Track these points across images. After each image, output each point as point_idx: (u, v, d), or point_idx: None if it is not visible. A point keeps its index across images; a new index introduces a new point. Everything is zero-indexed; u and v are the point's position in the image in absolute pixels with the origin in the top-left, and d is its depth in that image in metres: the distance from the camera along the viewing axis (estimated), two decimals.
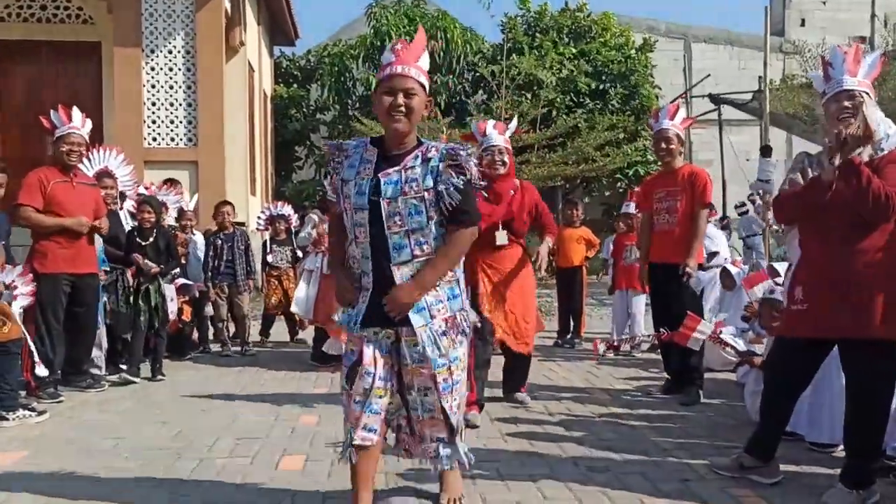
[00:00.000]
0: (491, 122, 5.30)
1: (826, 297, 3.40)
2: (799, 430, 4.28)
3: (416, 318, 2.93)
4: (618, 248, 7.90)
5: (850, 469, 3.43)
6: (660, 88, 18.90)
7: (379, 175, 2.91)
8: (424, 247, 2.93)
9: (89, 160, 6.51)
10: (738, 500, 3.49)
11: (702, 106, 19.57)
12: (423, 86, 2.95)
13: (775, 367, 3.72)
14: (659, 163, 6.11)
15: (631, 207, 7.80)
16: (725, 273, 6.77)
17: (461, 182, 2.90)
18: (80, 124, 5.78)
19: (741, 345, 6.27)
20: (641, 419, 5.01)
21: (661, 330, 5.33)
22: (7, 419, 4.81)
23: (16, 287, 4.76)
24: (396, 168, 2.92)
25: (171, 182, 8.43)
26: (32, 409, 5.00)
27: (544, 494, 3.53)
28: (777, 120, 15.56)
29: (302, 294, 7.10)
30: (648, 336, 6.19)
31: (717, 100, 17.04)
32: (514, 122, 5.65)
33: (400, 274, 2.93)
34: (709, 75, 18.46)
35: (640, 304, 7.52)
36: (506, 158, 5.11)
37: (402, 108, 2.89)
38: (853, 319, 3.32)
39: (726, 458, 3.93)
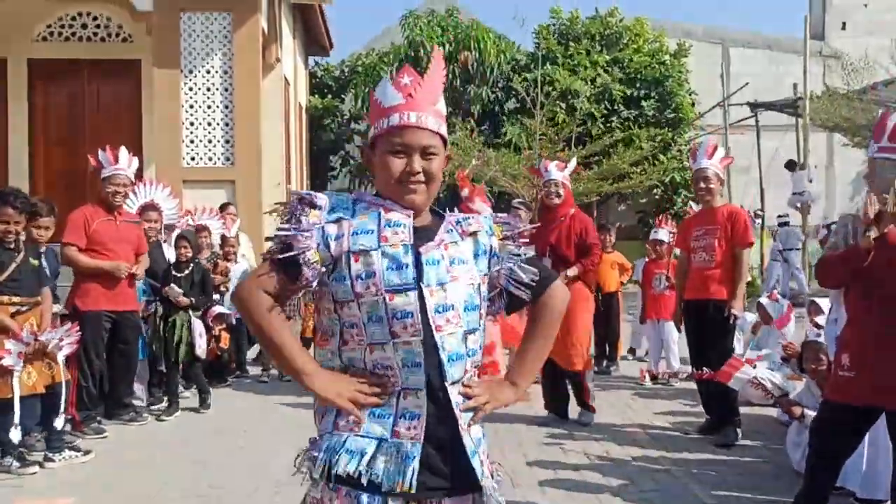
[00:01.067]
0: (554, 163, 6.14)
1: (871, 365, 3.35)
2: (849, 486, 4.21)
3: (478, 465, 1.95)
4: (647, 276, 7.81)
5: None
6: (696, 94, 18.70)
7: (420, 249, 1.94)
8: (475, 357, 2.01)
9: (135, 194, 6.62)
10: None
11: (739, 112, 19.32)
12: (444, 140, 2.02)
13: (822, 431, 3.67)
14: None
15: (661, 234, 7.74)
16: (760, 307, 6.70)
17: (527, 252, 2.11)
18: (126, 164, 5.89)
19: (779, 379, 6.20)
20: (679, 464, 4.97)
21: (704, 369, 5.29)
22: (54, 461, 4.91)
23: (62, 340, 4.86)
24: (435, 242, 1.97)
25: (224, 207, 8.56)
26: (77, 450, 5.10)
27: None
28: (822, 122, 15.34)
29: None
30: (688, 370, 6.15)
31: (756, 106, 16.76)
32: (574, 162, 6.42)
33: (455, 398, 1.94)
34: (747, 83, 18.17)
35: (673, 331, 7.43)
36: (561, 191, 5.98)
37: (421, 177, 1.96)
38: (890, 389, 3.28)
39: None
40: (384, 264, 1.91)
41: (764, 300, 6.79)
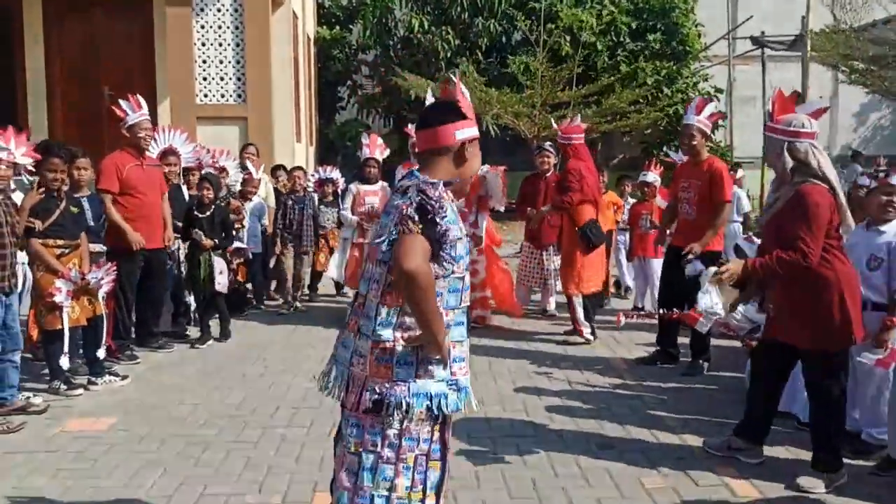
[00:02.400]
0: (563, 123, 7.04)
1: (774, 308, 4.09)
2: (794, 411, 4.81)
3: None
4: (634, 217, 8.24)
5: (818, 458, 3.99)
6: (702, 26, 18.68)
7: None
8: None
9: (155, 140, 7.09)
10: (723, 479, 4.07)
11: (745, 42, 19.34)
12: None
13: (755, 362, 4.27)
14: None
15: (649, 177, 8.15)
16: (738, 249, 7.13)
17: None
18: (147, 110, 6.37)
19: (752, 312, 6.73)
20: (652, 391, 5.58)
21: (674, 311, 5.81)
22: (96, 384, 5.56)
23: (103, 279, 5.43)
24: None
25: (245, 147, 9.01)
26: (116, 375, 5.74)
27: (556, 472, 4.14)
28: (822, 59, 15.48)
29: (336, 261, 7.82)
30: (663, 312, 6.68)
31: (758, 42, 16.86)
32: (578, 119, 7.15)
33: None
34: (751, 17, 18.16)
35: (658, 268, 7.93)
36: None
37: None
38: (792, 330, 3.89)
39: (719, 437, 4.48)
40: (465, 250, 2.65)
41: (741, 242, 7.22)
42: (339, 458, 2.71)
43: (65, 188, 5.38)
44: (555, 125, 7.24)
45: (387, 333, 2.59)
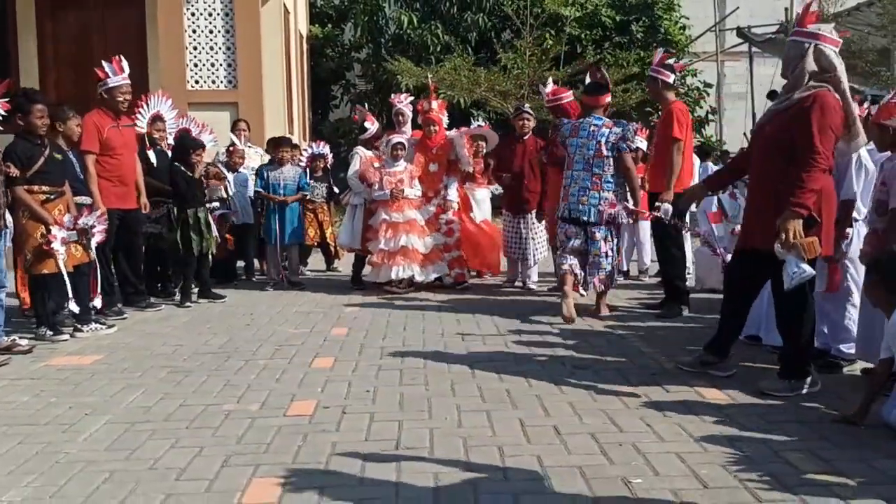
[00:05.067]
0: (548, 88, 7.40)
1: (748, 217, 4.22)
2: (760, 334, 4.89)
3: None
4: None
5: (783, 365, 4.06)
6: (687, 18, 18.78)
7: None
8: None
9: (147, 105, 7.18)
10: (696, 388, 4.14)
11: (733, 37, 19.53)
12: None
13: (729, 276, 4.34)
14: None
15: (637, 141, 8.25)
16: (719, 202, 7.23)
17: None
18: (127, 74, 6.47)
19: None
20: (630, 330, 5.66)
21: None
22: (82, 330, 5.63)
23: (94, 227, 5.52)
24: None
25: (237, 124, 9.13)
26: (103, 323, 5.81)
27: (530, 384, 4.21)
28: None
29: (348, 228, 7.74)
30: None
31: (743, 34, 17.05)
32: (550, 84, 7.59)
33: None
34: (737, 8, 18.37)
35: (645, 231, 8.02)
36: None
37: None
38: (763, 235, 3.94)
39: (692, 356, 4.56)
40: None
41: (723, 196, 7.31)
42: (599, 250, 5.89)
43: (42, 131, 5.43)
44: (544, 91, 7.37)
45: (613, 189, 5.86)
